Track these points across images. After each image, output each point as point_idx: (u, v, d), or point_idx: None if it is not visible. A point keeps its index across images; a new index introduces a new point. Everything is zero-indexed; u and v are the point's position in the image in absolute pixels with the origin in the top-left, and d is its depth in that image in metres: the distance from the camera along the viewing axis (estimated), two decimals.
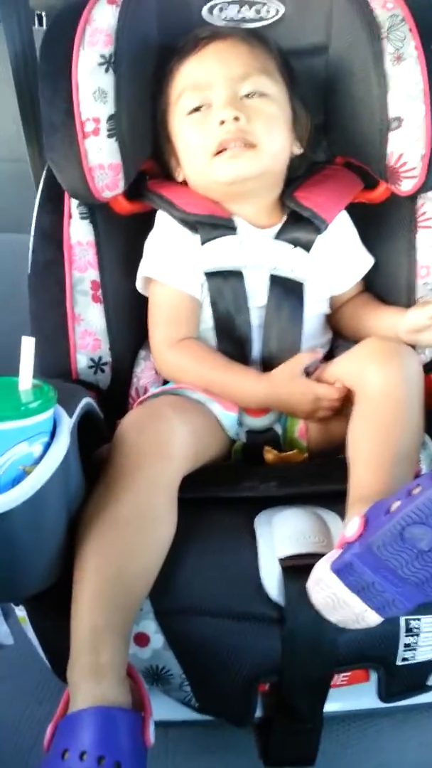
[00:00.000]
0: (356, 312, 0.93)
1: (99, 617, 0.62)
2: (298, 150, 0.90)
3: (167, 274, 0.87)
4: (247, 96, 0.83)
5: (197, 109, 0.84)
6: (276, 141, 0.84)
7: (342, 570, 0.60)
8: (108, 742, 0.56)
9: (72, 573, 0.65)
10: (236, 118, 0.81)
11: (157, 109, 0.89)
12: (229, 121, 0.81)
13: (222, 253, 0.86)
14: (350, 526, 0.61)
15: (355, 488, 0.70)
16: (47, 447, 0.62)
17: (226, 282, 0.86)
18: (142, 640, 0.68)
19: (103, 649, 0.60)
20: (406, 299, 0.93)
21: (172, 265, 0.87)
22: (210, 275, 0.86)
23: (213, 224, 0.86)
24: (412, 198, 0.92)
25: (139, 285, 0.90)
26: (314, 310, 0.90)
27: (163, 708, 0.67)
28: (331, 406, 0.81)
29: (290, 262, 0.87)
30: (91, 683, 0.59)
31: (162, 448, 0.70)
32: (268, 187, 0.88)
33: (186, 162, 0.87)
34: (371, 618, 0.60)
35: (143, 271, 0.89)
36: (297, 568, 0.67)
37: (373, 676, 0.72)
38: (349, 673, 0.72)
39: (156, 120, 0.89)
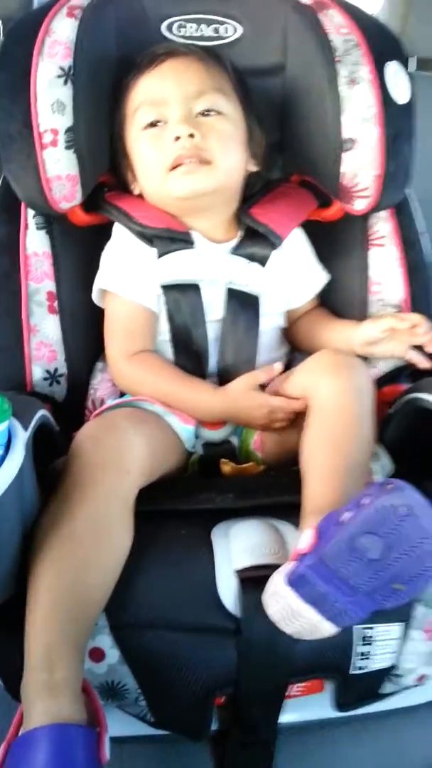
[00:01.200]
0: (311, 326, 0.95)
1: (53, 633, 0.61)
2: (253, 167, 0.91)
3: (123, 286, 0.87)
4: (202, 113, 0.84)
5: (153, 125, 0.85)
6: (230, 157, 0.85)
7: (296, 582, 0.61)
8: (64, 760, 0.55)
9: (25, 588, 0.64)
10: (191, 135, 0.82)
11: (114, 123, 0.89)
12: (184, 137, 0.82)
13: (179, 267, 0.87)
14: (303, 538, 0.62)
15: (308, 500, 0.71)
16: (1, 460, 0.61)
17: (183, 295, 0.86)
18: (97, 655, 0.67)
19: (58, 665, 0.59)
20: (359, 314, 0.95)
21: (128, 277, 0.87)
22: (167, 288, 0.86)
23: (170, 238, 0.87)
24: (365, 217, 0.95)
25: (95, 297, 0.90)
26: (270, 323, 0.91)
27: (119, 723, 0.66)
28: (286, 417, 0.82)
29: (246, 276, 0.88)
30: (46, 700, 0.58)
31: (118, 460, 0.70)
32: (223, 203, 0.89)
33: (142, 176, 0.88)
34: (326, 628, 0.61)
35: (99, 283, 0.88)
36: (253, 580, 0.67)
37: (329, 686, 0.73)
38: (304, 684, 0.72)
39: (113, 133, 0.90)
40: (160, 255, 0.86)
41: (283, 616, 0.62)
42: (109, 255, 0.89)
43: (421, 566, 0.58)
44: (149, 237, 0.87)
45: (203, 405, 0.84)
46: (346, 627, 0.62)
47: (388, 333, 0.87)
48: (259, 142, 0.91)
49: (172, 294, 0.86)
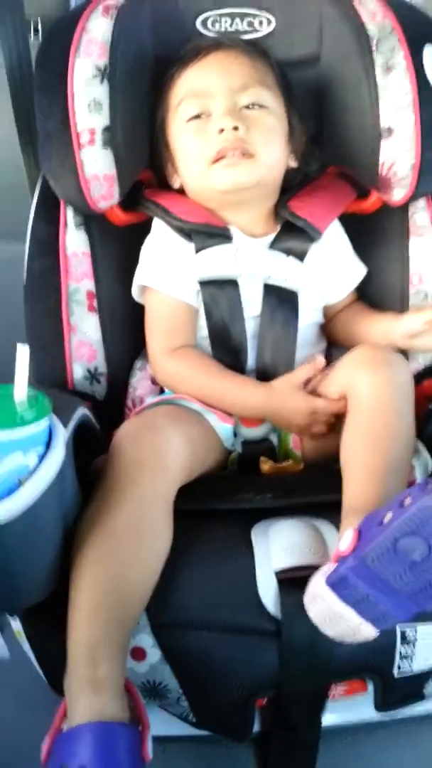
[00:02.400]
0: (350, 320, 0.94)
1: (96, 630, 0.61)
2: (293, 163, 0.90)
3: (163, 282, 0.87)
4: (246, 107, 0.84)
5: (197, 117, 0.84)
6: (273, 152, 0.85)
7: (337, 584, 0.60)
8: (107, 757, 0.55)
9: (68, 585, 0.64)
10: (235, 128, 0.82)
11: (156, 116, 0.89)
12: (228, 129, 0.82)
13: (216, 262, 0.86)
14: (344, 540, 0.61)
15: (348, 499, 0.70)
16: (42, 458, 0.61)
17: (220, 291, 0.86)
18: (138, 654, 0.68)
19: (101, 662, 0.60)
20: (399, 307, 0.94)
21: (168, 273, 0.87)
22: (204, 284, 0.86)
23: (208, 233, 0.86)
24: (404, 207, 0.93)
25: (135, 293, 0.90)
26: (308, 319, 0.90)
27: (161, 723, 0.67)
28: (327, 420, 0.81)
29: (284, 271, 0.87)
30: (90, 697, 0.58)
31: (158, 459, 0.70)
32: (263, 197, 0.88)
33: (184, 168, 0.88)
34: (367, 631, 0.60)
35: (139, 279, 0.89)
36: (293, 581, 0.67)
37: (371, 687, 0.72)
38: (346, 684, 0.71)
39: (155, 127, 0.89)
40: (198, 250, 0.86)
41: (324, 619, 0.61)
42: (148, 251, 0.89)
43: None
44: (187, 232, 0.86)
45: (244, 401, 0.83)
46: (387, 629, 0.61)
47: (430, 325, 0.86)
48: (300, 139, 0.90)
49: (209, 290, 0.86)
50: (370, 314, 0.93)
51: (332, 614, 0.60)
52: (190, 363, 0.85)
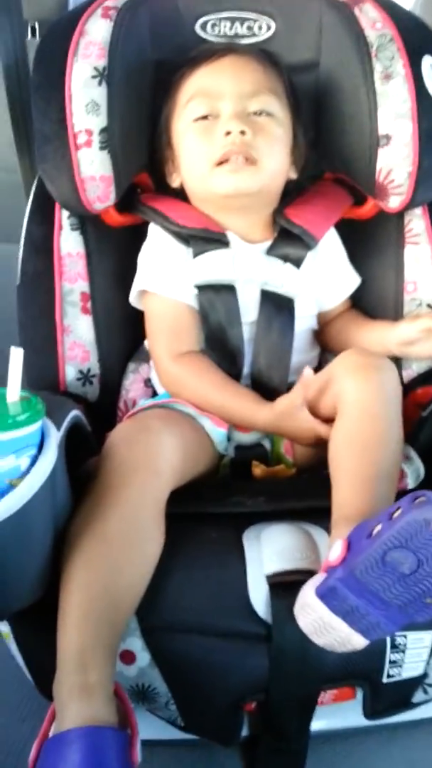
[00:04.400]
0: (344, 327, 0.94)
1: (87, 635, 0.61)
2: (293, 175, 0.91)
3: (164, 286, 0.87)
4: (255, 113, 0.84)
5: (204, 117, 0.84)
6: (276, 161, 0.85)
7: (326, 594, 0.60)
8: (97, 762, 0.55)
9: (58, 589, 0.64)
10: (242, 132, 0.82)
11: (162, 113, 0.89)
12: (235, 133, 0.82)
13: (214, 267, 0.86)
14: (333, 550, 0.61)
15: (338, 507, 0.69)
16: (34, 460, 0.61)
17: (217, 295, 0.86)
18: (127, 657, 0.68)
19: (92, 667, 0.60)
20: (394, 314, 0.94)
21: (168, 276, 0.87)
22: (201, 288, 0.86)
23: (206, 238, 0.86)
24: (400, 215, 0.93)
25: (133, 299, 0.90)
26: (303, 325, 0.90)
27: (149, 727, 0.66)
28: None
29: (281, 277, 0.87)
30: (80, 702, 0.58)
31: (151, 462, 0.70)
32: (262, 205, 0.89)
33: (186, 168, 0.88)
34: (357, 641, 0.60)
35: (139, 284, 0.88)
36: (284, 585, 0.67)
37: (360, 694, 0.72)
38: (335, 691, 0.71)
39: (158, 124, 0.89)
40: (196, 254, 0.86)
41: (314, 629, 0.61)
42: (146, 256, 0.89)
43: None
44: (185, 237, 0.86)
45: (246, 417, 0.83)
46: (377, 640, 0.61)
47: (425, 333, 0.86)
48: (302, 152, 0.90)
49: (206, 294, 0.86)
50: (364, 322, 0.93)
51: (322, 624, 0.60)
52: (196, 371, 0.85)
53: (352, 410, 0.74)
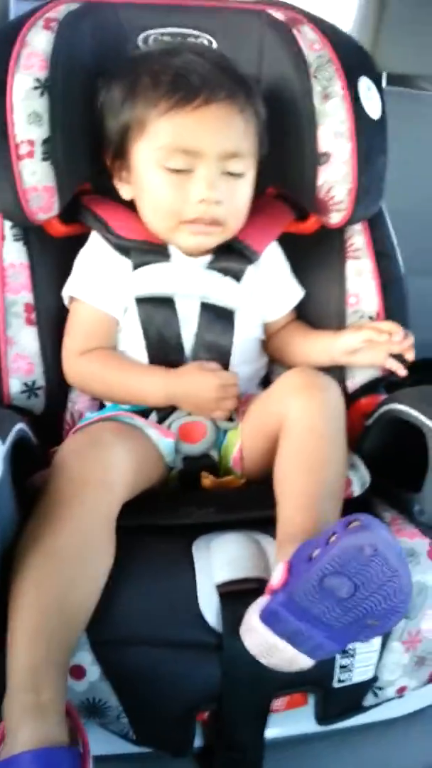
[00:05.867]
0: (289, 338, 0.95)
1: (39, 654, 0.59)
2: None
3: (93, 295, 0.87)
4: (229, 173, 0.82)
5: (179, 171, 0.81)
6: (240, 217, 0.86)
7: (269, 618, 0.60)
8: None
9: (5, 607, 0.62)
10: (216, 202, 0.81)
11: (115, 120, 0.84)
12: (209, 203, 0.81)
13: (153, 280, 0.86)
14: (275, 574, 0.61)
15: (282, 525, 0.70)
16: None
17: (157, 308, 0.86)
18: (77, 672, 0.66)
19: (45, 686, 0.58)
20: (337, 325, 0.96)
21: (99, 286, 0.87)
22: (140, 301, 0.86)
23: (146, 250, 0.86)
24: (341, 230, 0.96)
25: (66, 300, 0.89)
26: (247, 334, 0.91)
27: (101, 741, 0.65)
28: (236, 393, 0.82)
29: (220, 291, 0.88)
30: (32, 723, 0.56)
31: (103, 476, 0.69)
32: None
33: (148, 208, 0.85)
34: (303, 661, 0.61)
35: (68, 289, 0.88)
36: (234, 594, 0.67)
37: (311, 700, 0.73)
38: (287, 697, 0.72)
39: (106, 131, 0.85)
40: (136, 267, 0.86)
41: (260, 651, 0.62)
42: (81, 262, 0.89)
43: (391, 603, 0.57)
44: (125, 248, 0.86)
45: (151, 386, 0.83)
46: (323, 659, 0.62)
47: (367, 343, 0.88)
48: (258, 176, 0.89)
49: (145, 307, 0.86)
50: (309, 333, 0.95)
51: (267, 647, 0.61)
52: (102, 361, 0.86)
53: (297, 429, 0.75)
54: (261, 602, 0.62)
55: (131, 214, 0.88)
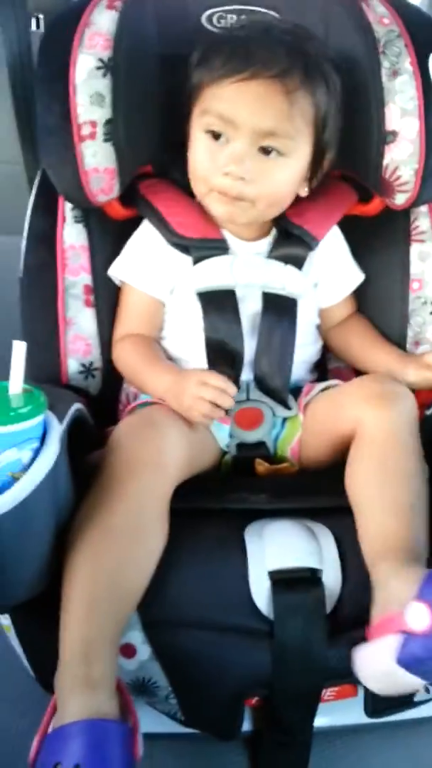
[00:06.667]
0: (350, 340, 0.94)
1: (91, 628, 0.61)
2: (303, 192, 0.88)
3: (140, 279, 0.87)
4: (265, 150, 0.80)
5: (216, 136, 0.81)
6: (277, 198, 0.84)
7: (410, 663, 0.59)
8: (101, 755, 0.55)
9: (60, 582, 0.64)
10: (242, 178, 0.79)
11: (186, 92, 0.84)
12: (233, 177, 0.80)
13: (213, 273, 0.86)
14: (414, 616, 0.58)
15: (375, 536, 0.68)
16: (37, 453, 0.61)
17: (218, 301, 0.85)
18: (128, 651, 0.67)
19: (96, 660, 0.59)
20: (400, 312, 0.94)
21: (147, 271, 0.87)
22: (202, 295, 0.85)
23: (205, 246, 0.86)
24: (406, 212, 0.93)
25: (113, 275, 0.90)
26: (305, 321, 0.90)
27: (149, 720, 0.66)
28: (216, 397, 0.75)
29: (282, 279, 0.87)
30: (83, 695, 0.58)
31: (157, 457, 0.69)
32: (262, 221, 0.87)
33: (190, 172, 0.86)
34: (419, 685, 0.61)
35: (118, 272, 0.89)
36: (287, 582, 0.67)
37: (361, 691, 0.72)
38: (337, 688, 0.71)
39: (171, 116, 0.86)
40: (196, 262, 0.86)
41: (379, 681, 0.62)
42: (133, 247, 0.89)
43: None
44: (185, 246, 0.86)
45: (151, 383, 0.82)
46: None
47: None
48: (322, 170, 0.86)
49: (207, 299, 0.85)
50: (372, 344, 0.92)
51: (395, 682, 0.60)
52: (132, 347, 0.87)
53: (376, 437, 0.73)
54: (393, 644, 0.59)
55: (189, 203, 0.87)
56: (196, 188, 0.85)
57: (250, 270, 0.86)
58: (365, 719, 0.73)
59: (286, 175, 0.82)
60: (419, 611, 0.58)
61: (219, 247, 0.86)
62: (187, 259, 0.86)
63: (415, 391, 0.90)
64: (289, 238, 0.88)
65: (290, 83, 0.78)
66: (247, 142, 0.79)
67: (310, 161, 0.84)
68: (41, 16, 1.15)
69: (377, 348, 0.91)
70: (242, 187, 0.80)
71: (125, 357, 0.87)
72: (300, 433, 0.84)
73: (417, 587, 0.60)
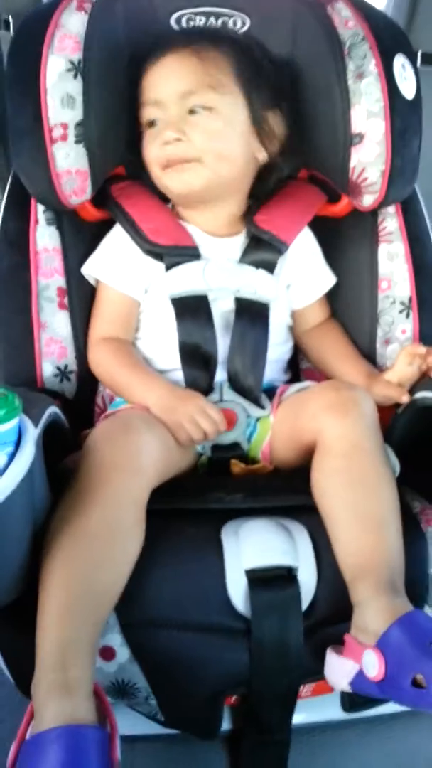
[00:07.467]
0: (321, 348, 0.95)
1: (67, 632, 0.60)
2: (262, 156, 0.89)
3: (115, 278, 0.88)
4: (191, 111, 0.84)
5: (152, 123, 0.86)
6: (221, 152, 0.85)
7: (361, 692, 0.63)
8: (78, 762, 0.54)
9: (36, 586, 0.63)
10: (178, 139, 0.83)
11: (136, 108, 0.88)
12: (171, 141, 0.83)
13: (187, 279, 0.86)
14: (369, 661, 0.60)
15: (353, 552, 0.68)
16: (12, 457, 0.60)
17: (191, 306, 0.86)
18: (107, 653, 0.67)
19: (72, 664, 0.59)
20: (369, 311, 0.95)
21: (121, 271, 0.88)
22: (175, 300, 0.86)
23: (178, 253, 0.86)
24: (374, 213, 0.94)
25: (92, 280, 0.90)
26: (277, 321, 0.91)
27: (130, 722, 0.66)
28: (211, 430, 0.79)
29: (253, 283, 0.88)
30: (60, 701, 0.57)
31: (133, 461, 0.69)
32: (226, 195, 0.89)
33: (145, 164, 0.89)
34: None
35: (93, 270, 0.89)
36: (263, 580, 0.67)
37: None
38: (314, 684, 0.72)
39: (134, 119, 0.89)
40: (168, 268, 0.86)
41: (343, 687, 0.65)
42: (108, 247, 0.89)
43: None
44: (158, 254, 0.86)
45: (145, 391, 0.82)
46: None
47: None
48: (273, 132, 0.89)
49: (181, 305, 0.86)
50: (342, 355, 0.93)
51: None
52: (111, 353, 0.87)
53: (337, 446, 0.73)
54: (351, 670, 0.62)
55: (161, 207, 0.89)
56: (153, 175, 0.87)
57: (222, 275, 0.87)
58: (343, 715, 0.74)
59: (220, 125, 0.85)
60: (373, 660, 0.60)
61: (191, 254, 0.87)
62: (160, 265, 0.87)
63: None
64: (260, 243, 0.89)
65: (199, 46, 0.85)
66: (174, 110, 0.83)
67: (250, 117, 0.86)
68: (10, 18, 1.13)
69: (348, 364, 0.92)
70: (184, 147, 0.83)
71: (106, 364, 0.87)
72: (270, 434, 0.85)
73: (385, 628, 0.61)
